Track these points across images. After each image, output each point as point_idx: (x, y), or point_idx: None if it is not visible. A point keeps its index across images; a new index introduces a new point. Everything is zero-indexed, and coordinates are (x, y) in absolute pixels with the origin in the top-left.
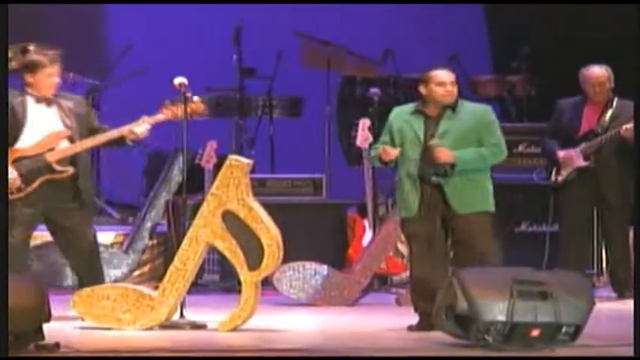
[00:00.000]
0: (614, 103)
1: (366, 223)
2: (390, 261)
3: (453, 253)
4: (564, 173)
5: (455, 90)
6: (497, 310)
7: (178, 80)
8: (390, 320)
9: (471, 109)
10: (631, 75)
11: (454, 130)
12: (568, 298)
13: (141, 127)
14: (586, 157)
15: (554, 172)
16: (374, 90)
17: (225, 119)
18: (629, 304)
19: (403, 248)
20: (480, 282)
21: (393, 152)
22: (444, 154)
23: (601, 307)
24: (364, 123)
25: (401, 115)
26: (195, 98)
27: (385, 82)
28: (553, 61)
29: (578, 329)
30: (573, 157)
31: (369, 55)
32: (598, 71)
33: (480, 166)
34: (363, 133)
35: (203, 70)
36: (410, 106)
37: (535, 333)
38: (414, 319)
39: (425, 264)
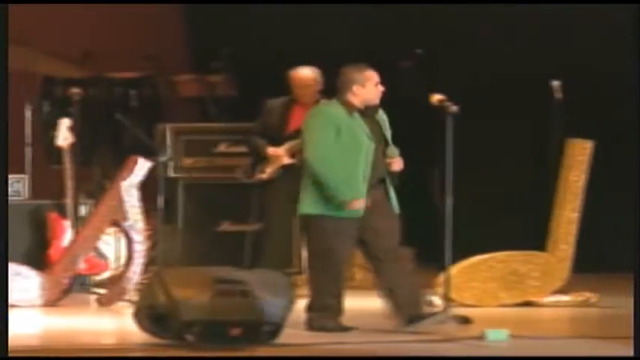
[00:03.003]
0: None
1: (66, 223)
2: (90, 261)
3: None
4: (269, 170)
5: None
6: (196, 309)
7: None
8: (91, 320)
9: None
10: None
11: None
12: (268, 297)
13: None
14: (292, 155)
15: (258, 170)
16: (74, 90)
17: None
18: None
19: (104, 248)
20: (181, 281)
21: None
22: (399, 164)
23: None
24: (64, 122)
25: (339, 113)
26: None
27: (85, 82)
28: (254, 61)
29: (278, 328)
30: (280, 155)
31: (69, 55)
32: (304, 74)
33: None
34: (63, 133)
35: None
36: (335, 104)
37: (236, 332)
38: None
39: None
